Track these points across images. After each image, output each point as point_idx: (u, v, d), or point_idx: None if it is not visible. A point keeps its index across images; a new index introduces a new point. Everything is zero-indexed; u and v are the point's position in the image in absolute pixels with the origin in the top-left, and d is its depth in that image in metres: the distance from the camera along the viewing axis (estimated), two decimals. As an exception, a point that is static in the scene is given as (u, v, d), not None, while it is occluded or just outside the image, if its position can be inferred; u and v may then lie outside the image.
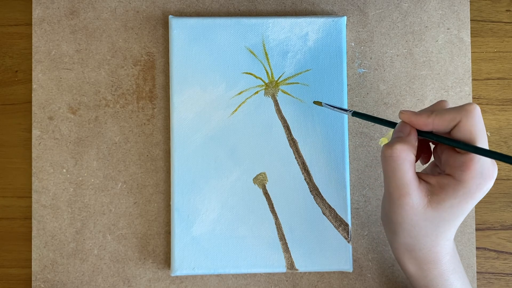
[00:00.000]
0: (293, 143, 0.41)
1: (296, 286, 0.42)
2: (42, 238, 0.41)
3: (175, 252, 0.40)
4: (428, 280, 0.35)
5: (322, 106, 0.40)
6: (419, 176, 0.33)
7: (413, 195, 0.31)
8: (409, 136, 0.32)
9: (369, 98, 0.43)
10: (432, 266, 0.34)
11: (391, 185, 0.32)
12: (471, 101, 0.43)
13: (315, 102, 0.40)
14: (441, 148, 0.34)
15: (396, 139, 0.32)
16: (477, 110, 0.31)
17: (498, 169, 0.43)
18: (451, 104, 0.42)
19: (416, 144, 0.32)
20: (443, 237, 0.33)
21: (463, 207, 0.32)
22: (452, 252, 0.35)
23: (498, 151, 0.43)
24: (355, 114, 0.37)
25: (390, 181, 0.32)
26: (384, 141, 0.42)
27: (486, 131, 0.43)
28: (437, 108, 0.32)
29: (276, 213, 0.41)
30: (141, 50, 0.42)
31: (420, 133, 0.33)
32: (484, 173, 0.31)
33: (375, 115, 0.42)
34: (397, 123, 0.34)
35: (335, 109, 0.38)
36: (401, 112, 0.33)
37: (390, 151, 0.31)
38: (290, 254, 0.40)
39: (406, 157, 0.31)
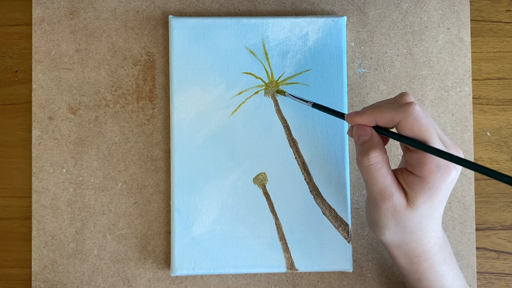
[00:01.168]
0: (293, 143, 0.41)
1: (296, 286, 0.42)
2: (42, 238, 0.41)
3: (175, 252, 0.40)
4: (420, 273, 0.35)
5: (286, 96, 0.40)
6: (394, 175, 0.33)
7: (395, 196, 0.32)
8: (373, 138, 0.33)
9: (369, 98, 0.43)
10: (422, 258, 0.34)
11: (373, 190, 0.33)
12: (470, 101, 0.43)
13: (278, 91, 0.41)
14: (401, 145, 0.35)
15: (367, 146, 0.33)
16: (415, 110, 0.31)
17: (499, 169, 0.43)
18: (451, 105, 0.43)
19: (381, 141, 0.33)
20: (428, 229, 0.34)
21: (436, 200, 0.32)
22: (441, 242, 0.35)
23: (496, 150, 0.43)
24: (315, 105, 0.38)
25: (372, 187, 0.33)
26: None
27: (486, 131, 0.43)
28: (378, 107, 0.33)
29: (276, 213, 0.41)
30: (141, 50, 0.42)
31: (375, 129, 0.33)
32: (442, 165, 0.31)
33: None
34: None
35: (297, 99, 0.39)
36: (346, 117, 0.34)
37: (367, 160, 0.32)
38: (290, 254, 0.40)
39: (382, 160, 0.32)
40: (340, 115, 0.36)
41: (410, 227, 0.33)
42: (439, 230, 0.35)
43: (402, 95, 0.33)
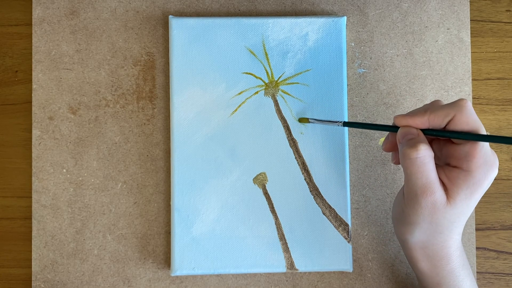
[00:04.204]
0: (293, 143, 0.41)
1: (296, 286, 0.42)
2: (42, 238, 0.41)
3: (175, 252, 0.40)
4: (440, 278, 0.35)
5: (310, 122, 0.40)
6: None
7: (438, 193, 0.32)
8: (420, 135, 0.33)
9: (369, 98, 0.43)
10: (444, 262, 0.35)
11: (415, 186, 0.32)
12: (470, 101, 0.43)
13: (300, 120, 0.41)
14: (439, 142, 0.34)
15: (415, 140, 0.32)
16: (469, 104, 0.32)
17: (499, 169, 0.43)
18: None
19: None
20: (455, 231, 0.34)
21: (474, 197, 0.32)
22: (461, 247, 0.35)
23: (496, 150, 0.43)
24: (346, 124, 0.37)
25: (415, 182, 0.32)
26: (383, 141, 0.42)
27: (486, 131, 0.43)
28: (430, 107, 0.33)
29: (276, 213, 0.41)
30: (141, 50, 0.42)
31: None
32: (488, 161, 0.32)
33: (375, 115, 0.42)
34: (388, 126, 0.35)
35: (324, 122, 0.39)
36: (396, 118, 0.34)
37: (416, 152, 0.32)
38: (290, 254, 0.40)
39: (430, 155, 0.32)
40: (381, 127, 0.35)
41: (443, 226, 0.33)
42: (460, 235, 0.35)
43: (438, 101, 0.34)
